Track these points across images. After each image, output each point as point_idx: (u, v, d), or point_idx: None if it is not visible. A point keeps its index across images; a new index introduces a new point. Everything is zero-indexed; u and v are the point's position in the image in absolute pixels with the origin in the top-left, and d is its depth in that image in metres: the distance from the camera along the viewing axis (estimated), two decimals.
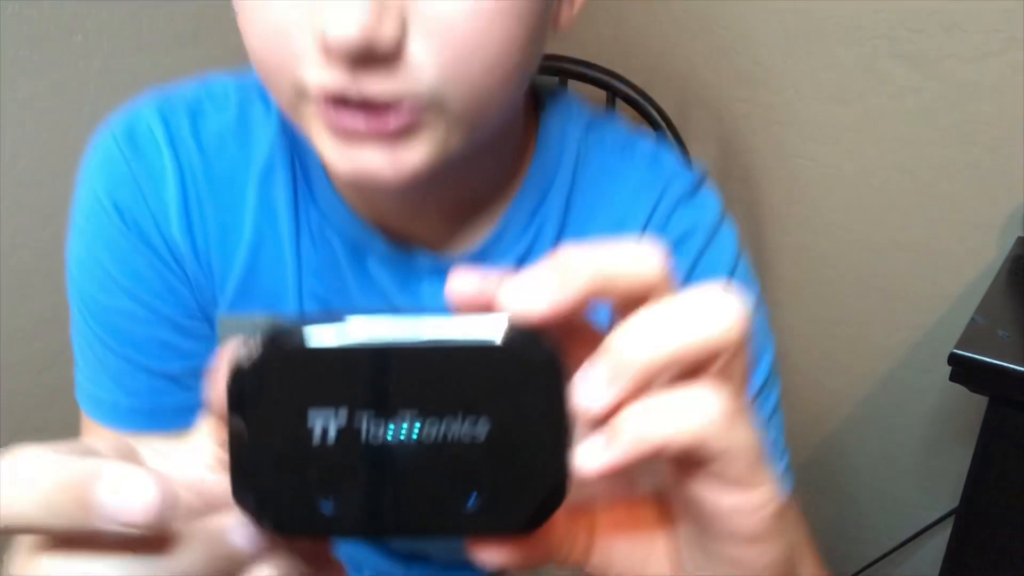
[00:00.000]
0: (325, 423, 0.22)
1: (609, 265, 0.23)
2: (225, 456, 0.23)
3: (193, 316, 0.50)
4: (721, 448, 0.23)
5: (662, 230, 0.50)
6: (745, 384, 0.24)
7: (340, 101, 0.35)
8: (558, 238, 0.49)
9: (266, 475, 0.22)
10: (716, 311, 0.23)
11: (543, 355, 0.22)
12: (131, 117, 0.50)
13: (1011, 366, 0.68)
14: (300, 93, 0.37)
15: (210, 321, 0.50)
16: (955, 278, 1.00)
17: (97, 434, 0.52)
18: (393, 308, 0.48)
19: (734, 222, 0.55)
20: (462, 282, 0.23)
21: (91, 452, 0.23)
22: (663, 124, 1.02)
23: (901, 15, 0.94)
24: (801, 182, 1.08)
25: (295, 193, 0.48)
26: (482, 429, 0.22)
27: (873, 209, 1.03)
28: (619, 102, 1.05)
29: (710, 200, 0.53)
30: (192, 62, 0.98)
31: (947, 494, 1.09)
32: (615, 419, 0.22)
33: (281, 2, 0.36)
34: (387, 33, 0.33)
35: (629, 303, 0.23)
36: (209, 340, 0.50)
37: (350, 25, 0.32)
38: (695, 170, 0.54)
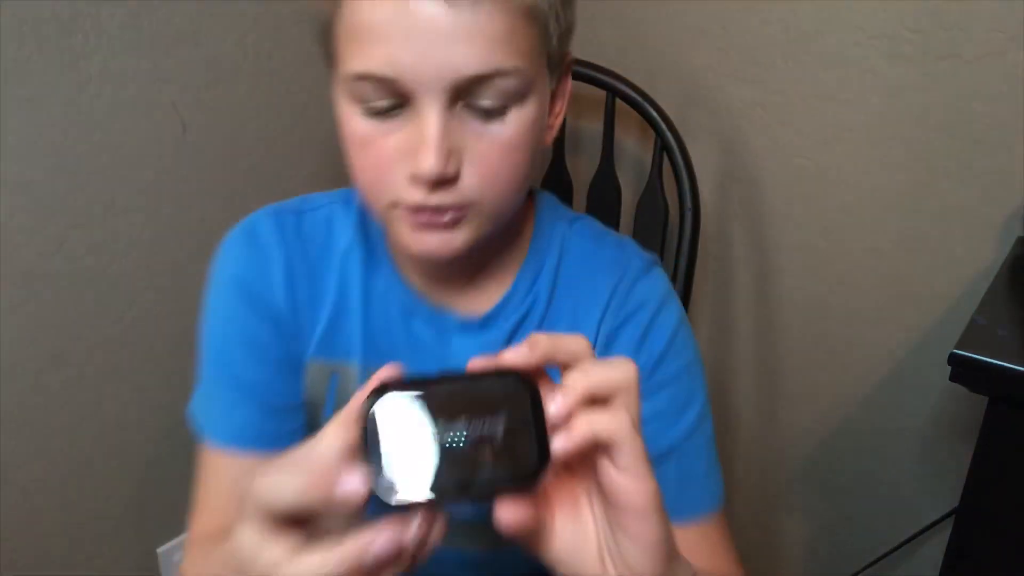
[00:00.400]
0: (419, 431, 0.39)
1: (558, 345, 0.41)
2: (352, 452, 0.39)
3: (286, 363, 0.68)
4: (621, 442, 0.40)
5: (623, 301, 0.68)
6: (637, 411, 0.42)
7: (419, 209, 0.57)
8: (548, 303, 0.68)
9: (388, 464, 0.38)
10: (620, 370, 0.42)
11: (529, 385, 0.40)
12: (253, 218, 0.70)
13: (1011, 366, 0.68)
14: (393, 205, 0.58)
15: (299, 366, 0.69)
16: (955, 278, 1.00)
17: (211, 456, 0.67)
18: (437, 359, 0.68)
19: (676, 297, 0.71)
20: (478, 359, 0.41)
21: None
22: (663, 124, 1.02)
23: (901, 15, 0.94)
24: (801, 182, 1.08)
25: (365, 271, 0.68)
26: (500, 426, 0.39)
27: (873, 209, 1.03)
28: (619, 102, 1.05)
29: (659, 279, 0.71)
30: (192, 62, 0.98)
31: (947, 494, 1.09)
32: (569, 423, 0.40)
33: (382, 148, 0.57)
34: (451, 170, 0.55)
35: (566, 364, 0.42)
36: (297, 382, 0.69)
37: (432, 167, 0.54)
38: (648, 256, 0.72)
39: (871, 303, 1.07)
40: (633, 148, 1.20)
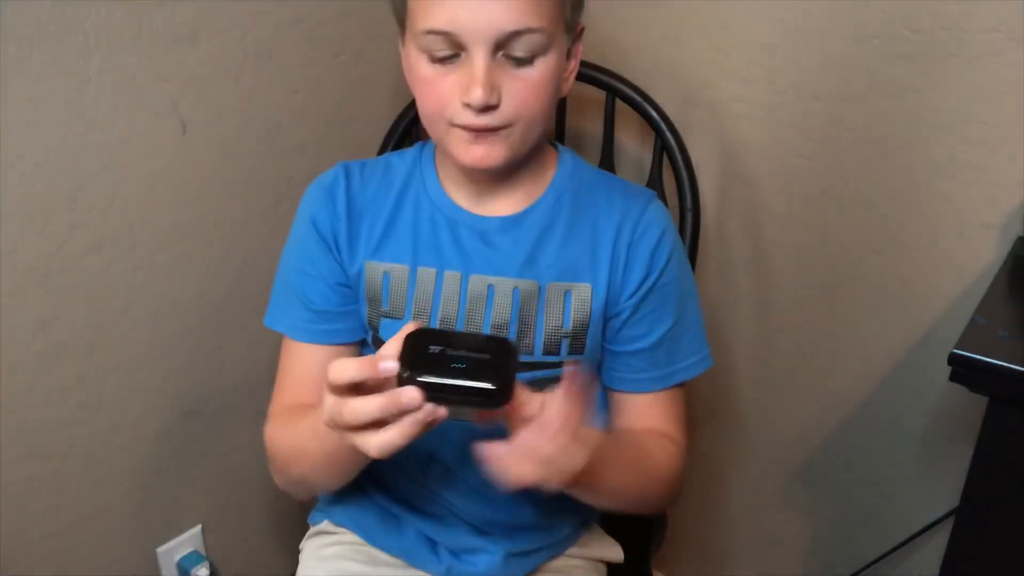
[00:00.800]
0: (436, 348, 0.59)
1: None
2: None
3: (337, 280, 0.86)
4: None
5: (637, 220, 0.85)
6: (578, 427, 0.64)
7: (471, 127, 0.75)
8: (571, 214, 0.85)
9: (416, 362, 0.59)
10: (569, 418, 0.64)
11: (512, 349, 0.61)
12: (326, 173, 0.88)
13: (1011, 366, 0.68)
14: (450, 125, 0.76)
15: (356, 277, 0.86)
16: (955, 278, 1.00)
17: (284, 347, 0.88)
18: (477, 255, 0.84)
19: (673, 224, 0.87)
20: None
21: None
22: (663, 124, 1.02)
23: (901, 15, 0.94)
24: (801, 182, 1.08)
25: (416, 193, 0.87)
26: (487, 357, 0.59)
27: (873, 209, 1.03)
28: (619, 102, 1.05)
29: (661, 208, 0.88)
30: (192, 62, 0.98)
31: (947, 494, 1.09)
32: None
33: (443, 85, 0.75)
34: (493, 99, 0.73)
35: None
36: (346, 295, 0.87)
37: (480, 96, 0.72)
38: (650, 191, 0.89)
39: (871, 303, 1.07)
40: (633, 148, 1.20)
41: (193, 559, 1.18)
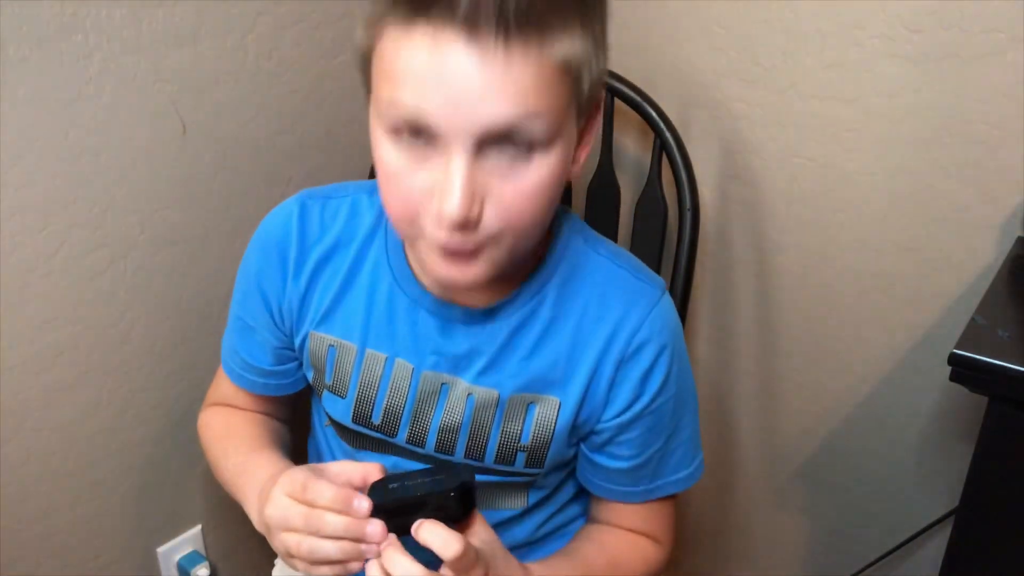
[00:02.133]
0: (396, 484, 0.63)
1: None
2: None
3: (278, 347, 0.81)
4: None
5: (632, 335, 0.72)
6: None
7: (443, 248, 0.60)
8: (554, 309, 0.73)
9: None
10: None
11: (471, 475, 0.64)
12: (282, 207, 0.77)
13: (1011, 366, 0.68)
14: (419, 235, 0.61)
15: (301, 342, 0.79)
16: (955, 278, 1.00)
17: (223, 384, 0.87)
18: (435, 349, 0.75)
19: (679, 329, 0.78)
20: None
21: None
22: (662, 124, 1.02)
23: (901, 15, 0.94)
24: (801, 182, 1.08)
25: (377, 259, 0.74)
26: (443, 476, 0.63)
27: (873, 209, 1.03)
28: (618, 102, 1.05)
29: (666, 312, 0.75)
30: (192, 62, 0.98)
31: (947, 494, 1.09)
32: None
33: (411, 184, 0.59)
34: (474, 213, 0.57)
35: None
36: (286, 358, 0.83)
37: (456, 213, 0.56)
38: (659, 284, 0.76)
39: (871, 303, 1.07)
40: (633, 148, 1.20)
41: (193, 559, 1.18)
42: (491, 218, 0.59)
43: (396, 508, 0.61)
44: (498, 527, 0.79)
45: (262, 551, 1.27)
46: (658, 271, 1.07)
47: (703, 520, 1.37)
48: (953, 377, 0.71)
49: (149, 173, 0.99)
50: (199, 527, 1.19)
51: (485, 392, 0.73)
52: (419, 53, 0.54)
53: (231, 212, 1.08)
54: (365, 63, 0.61)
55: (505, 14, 0.52)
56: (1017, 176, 0.92)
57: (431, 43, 0.54)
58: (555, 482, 0.83)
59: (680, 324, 0.77)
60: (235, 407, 0.89)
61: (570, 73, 0.57)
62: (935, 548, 1.13)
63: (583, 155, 0.66)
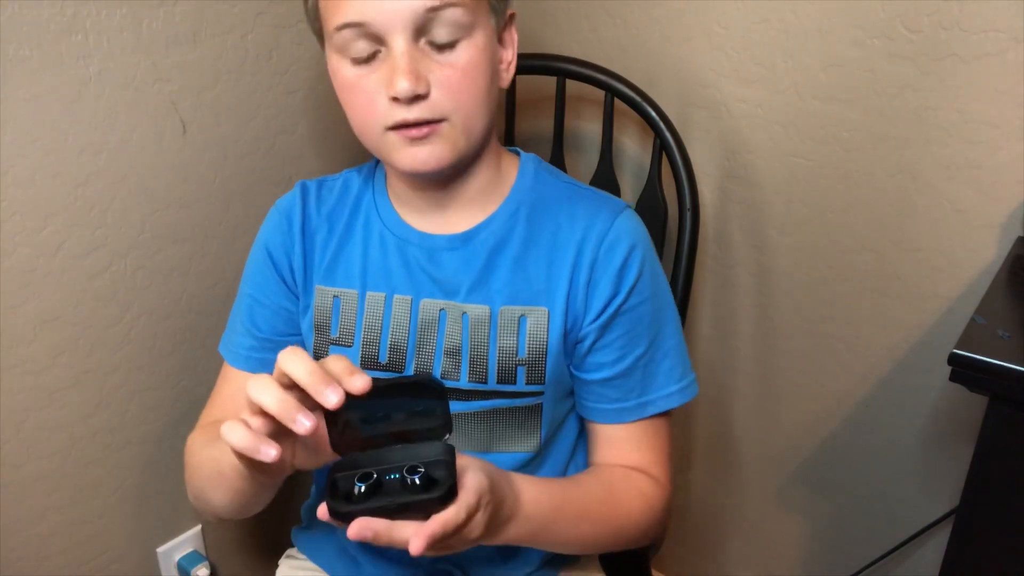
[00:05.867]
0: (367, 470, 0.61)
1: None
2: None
3: (289, 311, 0.85)
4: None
5: (602, 236, 0.78)
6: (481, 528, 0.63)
7: (403, 125, 0.71)
8: (528, 229, 0.80)
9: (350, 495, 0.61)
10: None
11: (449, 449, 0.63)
12: (285, 196, 0.87)
13: (1011, 366, 0.68)
14: (384, 130, 0.72)
15: (308, 296, 0.84)
16: (955, 278, 1.00)
17: (224, 369, 0.88)
18: (427, 275, 0.80)
19: (645, 237, 0.81)
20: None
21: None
22: (662, 124, 1.02)
23: (901, 15, 0.94)
24: (801, 182, 1.08)
25: (368, 213, 0.83)
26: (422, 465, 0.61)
27: (873, 209, 1.03)
28: (618, 102, 1.05)
29: (631, 220, 0.81)
30: (192, 62, 0.98)
31: (947, 494, 1.09)
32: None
33: (367, 85, 0.71)
34: (421, 88, 0.69)
35: None
36: (296, 324, 0.86)
37: (406, 86, 0.68)
38: (621, 202, 0.83)
39: (871, 303, 1.07)
40: (632, 148, 1.20)
41: (193, 559, 1.18)
42: (437, 93, 0.70)
43: (374, 503, 0.59)
44: (517, 468, 0.82)
45: (262, 551, 1.27)
46: None
47: (703, 520, 1.37)
48: (953, 377, 0.71)
49: (149, 173, 0.99)
50: (199, 527, 1.19)
51: (477, 309, 0.78)
52: None
53: (231, 212, 1.08)
54: (313, 11, 0.73)
55: None
56: (1017, 176, 0.92)
57: None
58: (562, 414, 0.84)
59: (648, 235, 0.82)
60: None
61: None
62: (935, 548, 1.13)
63: (511, 67, 0.78)
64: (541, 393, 0.81)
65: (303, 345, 0.85)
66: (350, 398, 0.58)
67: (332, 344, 0.82)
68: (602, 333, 0.78)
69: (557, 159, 1.13)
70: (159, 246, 1.02)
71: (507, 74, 0.78)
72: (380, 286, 0.81)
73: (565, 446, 0.87)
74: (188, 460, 0.84)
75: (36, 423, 0.98)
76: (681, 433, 1.32)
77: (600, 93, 1.06)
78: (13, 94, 0.86)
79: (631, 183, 1.19)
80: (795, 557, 1.29)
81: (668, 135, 1.01)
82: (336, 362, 0.59)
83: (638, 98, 1.03)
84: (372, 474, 0.60)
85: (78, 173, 0.93)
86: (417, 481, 0.59)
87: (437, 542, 0.58)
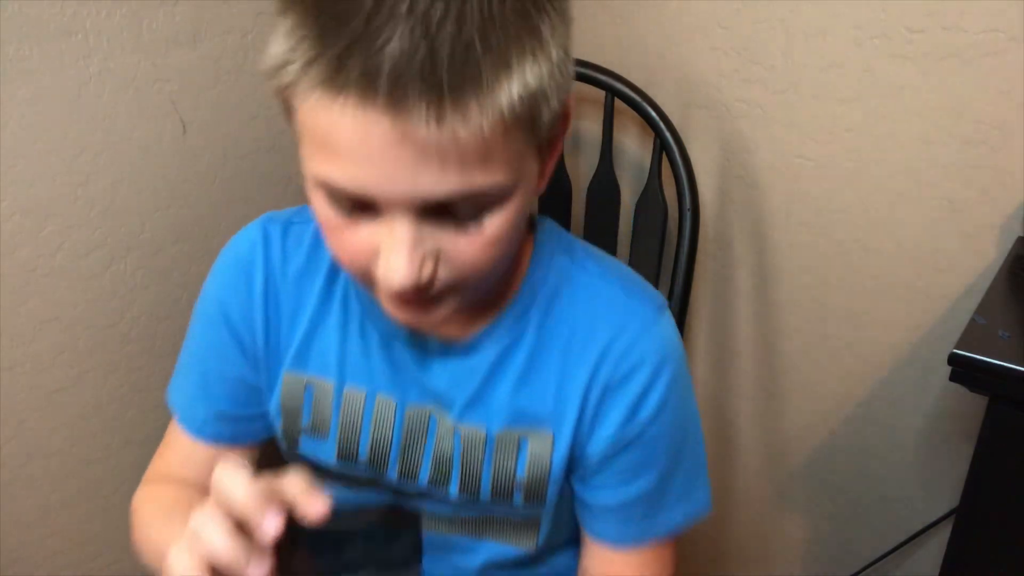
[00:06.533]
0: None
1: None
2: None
3: (249, 384, 0.73)
4: None
5: (622, 355, 0.65)
6: None
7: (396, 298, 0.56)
8: (538, 336, 0.67)
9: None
10: None
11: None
12: (244, 233, 0.71)
13: (1011, 366, 0.68)
14: (370, 283, 0.56)
15: (273, 379, 0.72)
16: (955, 278, 1.00)
17: (176, 428, 0.76)
18: (414, 383, 0.69)
19: (677, 350, 0.68)
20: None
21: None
22: (662, 124, 1.02)
23: (901, 15, 0.94)
24: (801, 182, 1.08)
25: (345, 290, 0.69)
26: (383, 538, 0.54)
27: (873, 209, 1.03)
28: (618, 102, 1.05)
29: (663, 331, 0.67)
30: (192, 62, 0.98)
31: (947, 494, 1.09)
32: None
33: (353, 239, 0.54)
34: (424, 277, 0.52)
35: None
36: (260, 398, 0.73)
37: (404, 280, 0.51)
38: (656, 301, 0.68)
39: (871, 303, 1.07)
40: (632, 148, 1.20)
41: None
42: (446, 274, 0.54)
43: None
44: (508, 564, 0.75)
45: None
46: (658, 271, 1.07)
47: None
48: (953, 377, 0.71)
49: (149, 173, 0.99)
50: None
51: (471, 430, 0.67)
52: (344, 130, 0.47)
53: (231, 212, 1.08)
54: (284, 105, 0.54)
55: (434, 78, 0.45)
56: (1017, 176, 0.92)
57: (355, 121, 0.47)
58: (566, 520, 0.76)
59: (681, 345, 0.69)
60: (187, 481, 0.75)
61: (520, 121, 0.49)
62: (935, 548, 1.13)
63: (549, 170, 0.60)
64: (538, 514, 0.72)
65: (270, 428, 0.74)
66: (301, 525, 0.48)
67: (304, 433, 0.72)
68: (606, 462, 0.67)
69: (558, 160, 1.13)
70: (159, 246, 1.02)
71: (543, 182, 0.59)
72: (360, 381, 0.69)
73: (563, 541, 0.79)
74: (133, 519, 0.75)
75: (36, 423, 0.98)
76: None
77: (600, 93, 1.06)
78: (13, 94, 0.86)
79: (631, 183, 1.19)
80: (795, 557, 1.29)
81: (668, 135, 1.01)
82: (291, 481, 0.48)
83: (638, 98, 1.03)
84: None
85: (78, 173, 0.93)
86: None
87: None
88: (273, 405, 0.72)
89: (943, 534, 1.09)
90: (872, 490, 1.17)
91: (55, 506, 1.03)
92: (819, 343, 1.14)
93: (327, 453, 0.72)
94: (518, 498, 0.69)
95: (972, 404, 1.02)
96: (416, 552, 0.54)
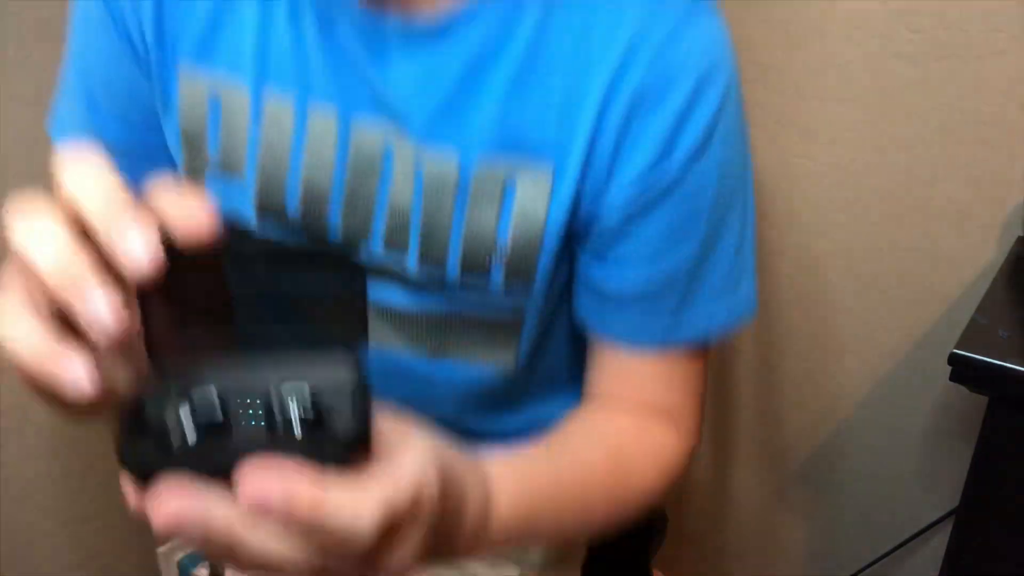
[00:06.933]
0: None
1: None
2: None
3: (144, 96, 0.52)
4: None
5: (659, 53, 0.47)
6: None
7: None
8: (541, 22, 0.47)
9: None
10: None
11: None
12: None
13: (1011, 366, 0.68)
14: None
15: (167, 83, 0.51)
16: (955, 278, 1.00)
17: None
18: (364, 83, 0.49)
19: (729, 54, 0.51)
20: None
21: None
22: None
23: (901, 15, 0.94)
24: (801, 182, 1.08)
25: None
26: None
27: (873, 209, 1.03)
28: None
29: (714, 26, 0.49)
30: None
31: (947, 494, 1.09)
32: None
33: None
34: None
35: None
36: (158, 126, 0.53)
37: None
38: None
39: (871, 303, 1.07)
40: None
41: (193, 559, 1.18)
42: None
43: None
44: (480, 400, 0.57)
45: None
46: None
47: (703, 520, 1.37)
48: (953, 377, 0.71)
49: None
50: None
51: (439, 157, 0.48)
52: None
53: None
54: None
55: None
56: (1017, 176, 0.92)
57: None
58: (552, 325, 0.58)
59: (734, 56, 0.53)
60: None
61: None
62: (935, 548, 1.13)
63: None
64: (522, 305, 0.54)
65: (171, 167, 0.54)
66: (187, 264, 0.31)
67: (212, 168, 0.52)
68: (633, 220, 0.50)
69: None
70: None
71: None
72: (286, 84, 0.49)
73: (555, 363, 0.60)
74: None
75: (36, 423, 0.98)
76: None
77: None
78: (13, 94, 0.86)
79: None
80: (795, 557, 1.29)
81: None
82: (182, 202, 0.30)
83: None
84: (213, 399, 0.32)
85: None
86: (297, 415, 0.32)
87: (311, 552, 0.30)
88: (171, 130, 0.52)
89: (943, 534, 1.09)
90: (872, 490, 1.16)
91: (55, 506, 1.03)
92: (819, 343, 1.14)
93: (244, 202, 0.53)
94: (497, 275, 0.50)
95: (972, 404, 1.02)
96: (359, 323, 0.35)
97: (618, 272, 0.52)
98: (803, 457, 1.22)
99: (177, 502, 0.31)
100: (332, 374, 0.33)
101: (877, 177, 1.02)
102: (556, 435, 0.52)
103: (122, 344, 0.30)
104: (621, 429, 0.54)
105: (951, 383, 0.72)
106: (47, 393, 0.32)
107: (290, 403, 0.32)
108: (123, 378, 0.34)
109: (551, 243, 0.50)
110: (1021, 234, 0.93)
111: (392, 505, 0.31)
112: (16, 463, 0.97)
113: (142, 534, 1.14)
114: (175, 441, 0.32)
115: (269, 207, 0.52)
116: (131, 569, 1.13)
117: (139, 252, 0.28)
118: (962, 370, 0.70)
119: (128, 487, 0.33)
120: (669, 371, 0.55)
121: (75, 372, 0.29)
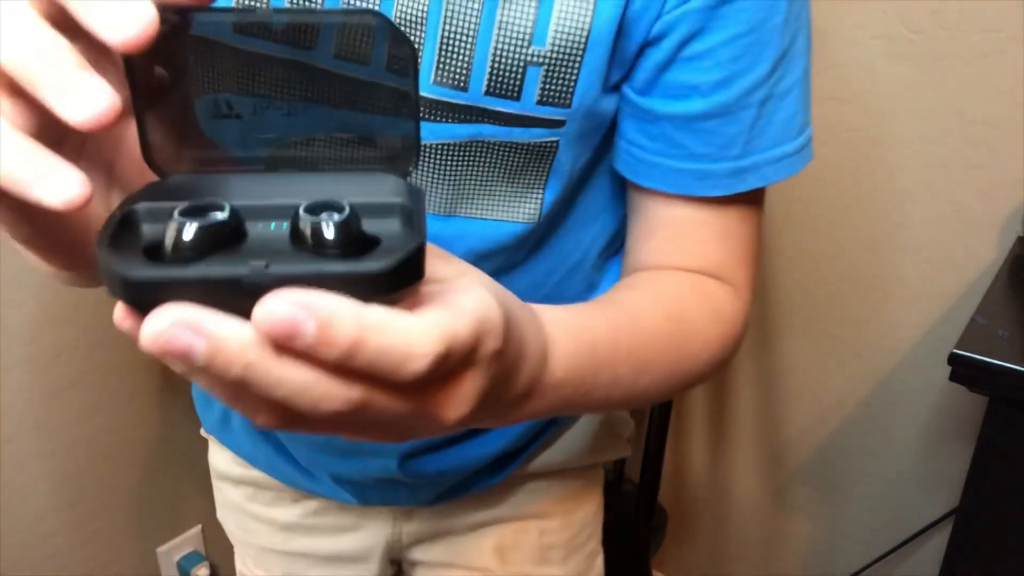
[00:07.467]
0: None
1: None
2: None
3: None
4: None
5: None
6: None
7: None
8: None
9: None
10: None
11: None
12: None
13: (1011, 366, 0.68)
14: None
15: None
16: (955, 278, 1.00)
17: None
18: None
19: None
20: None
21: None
22: None
23: (901, 15, 0.94)
24: (801, 182, 1.08)
25: None
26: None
27: (873, 209, 1.03)
28: None
29: None
30: None
31: (947, 494, 1.09)
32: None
33: None
34: None
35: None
36: None
37: None
38: None
39: (871, 303, 1.07)
40: None
41: (193, 559, 1.18)
42: None
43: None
44: (494, 260, 0.50)
45: None
46: None
47: (703, 520, 1.37)
48: (953, 377, 0.71)
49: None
50: (199, 527, 1.19)
51: None
52: None
53: None
54: None
55: None
56: (1017, 176, 0.92)
57: None
58: (587, 167, 0.50)
59: None
60: None
61: None
62: (935, 548, 1.13)
63: None
64: (561, 124, 0.45)
65: None
66: (194, 43, 0.26)
67: None
68: (698, 31, 0.43)
69: None
70: None
71: None
72: None
73: (585, 222, 0.53)
74: None
75: (36, 423, 0.98)
76: (680, 432, 1.32)
77: None
78: None
79: None
80: (795, 557, 1.29)
81: None
82: None
83: None
84: (219, 208, 0.25)
85: None
86: (330, 230, 0.24)
87: (350, 388, 0.24)
88: None
89: (943, 534, 1.09)
90: (872, 490, 1.16)
91: (55, 506, 1.03)
92: (819, 343, 1.14)
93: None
94: (532, 86, 0.42)
95: (972, 404, 1.02)
96: (412, 137, 0.28)
97: (675, 99, 0.44)
98: (803, 457, 1.22)
99: (177, 310, 0.22)
100: (377, 189, 0.26)
101: (877, 177, 1.02)
102: (609, 294, 0.46)
103: (111, 135, 0.24)
104: (682, 293, 0.47)
105: (951, 383, 0.72)
106: (24, 214, 0.26)
107: (324, 222, 0.24)
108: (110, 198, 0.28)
109: (597, 48, 0.42)
110: (1021, 234, 0.93)
111: (453, 337, 0.25)
112: (16, 463, 0.97)
113: (142, 534, 1.14)
114: (170, 247, 0.24)
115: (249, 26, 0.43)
116: (131, 569, 1.13)
117: (125, 15, 0.22)
118: (962, 370, 0.70)
119: (121, 312, 0.24)
120: (728, 225, 0.48)
121: (63, 173, 0.23)
